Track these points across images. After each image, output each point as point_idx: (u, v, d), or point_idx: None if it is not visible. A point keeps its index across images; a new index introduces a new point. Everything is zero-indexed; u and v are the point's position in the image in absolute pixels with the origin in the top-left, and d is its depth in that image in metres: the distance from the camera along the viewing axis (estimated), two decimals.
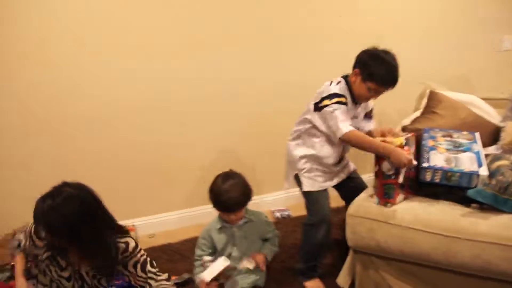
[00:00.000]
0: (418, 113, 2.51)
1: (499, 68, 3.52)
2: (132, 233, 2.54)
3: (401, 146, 1.81)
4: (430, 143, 2.03)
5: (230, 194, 1.88)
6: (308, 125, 2.03)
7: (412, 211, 1.76)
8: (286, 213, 2.94)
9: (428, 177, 1.86)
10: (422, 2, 3.20)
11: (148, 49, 2.56)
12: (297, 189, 3.16)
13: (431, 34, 3.23)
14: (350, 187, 2.16)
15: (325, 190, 2.06)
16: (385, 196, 1.85)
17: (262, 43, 2.81)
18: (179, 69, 2.67)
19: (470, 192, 1.71)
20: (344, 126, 1.85)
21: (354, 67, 1.93)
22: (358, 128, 2.02)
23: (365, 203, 1.88)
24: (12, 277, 2.20)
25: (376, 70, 1.83)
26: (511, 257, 1.56)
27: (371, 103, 2.12)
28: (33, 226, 1.62)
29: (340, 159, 2.10)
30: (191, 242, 2.60)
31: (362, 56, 1.91)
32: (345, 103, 1.89)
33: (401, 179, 1.81)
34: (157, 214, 2.86)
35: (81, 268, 1.64)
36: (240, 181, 1.94)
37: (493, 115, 2.45)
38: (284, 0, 2.82)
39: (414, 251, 1.72)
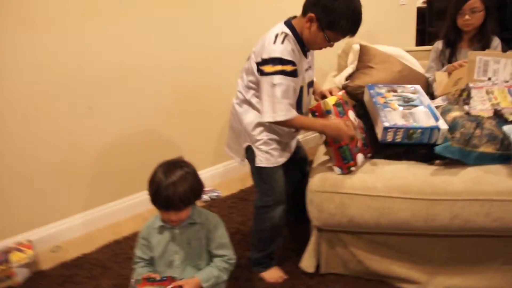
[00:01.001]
0: (350, 70, 2.37)
1: (398, 22, 3.61)
2: (28, 252, 2.00)
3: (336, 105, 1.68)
4: (380, 100, 1.88)
5: (175, 188, 1.39)
6: (254, 90, 1.67)
7: (383, 179, 1.60)
8: (215, 193, 2.60)
9: (389, 137, 1.71)
10: None
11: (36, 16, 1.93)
12: (222, 164, 2.94)
13: None
14: (294, 159, 1.91)
15: (280, 166, 1.76)
16: (344, 161, 1.65)
17: (187, 2, 2.37)
18: (83, 41, 2.09)
19: (438, 149, 1.60)
20: (282, 111, 1.54)
21: (307, 9, 1.53)
22: (312, 81, 1.76)
23: (329, 175, 1.65)
24: None
25: (340, 18, 1.48)
26: (488, 211, 1.50)
27: None
28: None
29: None
30: (110, 249, 2.15)
31: None
32: (290, 73, 1.53)
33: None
34: (58, 221, 2.28)
35: None
36: (190, 172, 1.46)
37: (418, 67, 2.43)
38: None
39: (392, 221, 1.57)
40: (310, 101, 1.81)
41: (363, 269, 1.74)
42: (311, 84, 1.77)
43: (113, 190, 2.42)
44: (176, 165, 1.44)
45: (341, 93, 1.80)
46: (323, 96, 1.77)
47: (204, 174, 2.69)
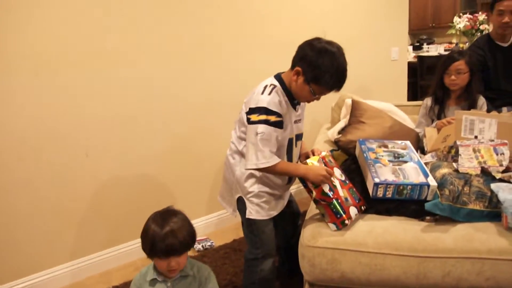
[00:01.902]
0: (342, 123, 2.43)
1: (390, 76, 3.74)
2: None
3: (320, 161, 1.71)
4: (371, 155, 1.93)
5: (174, 234, 1.42)
6: (246, 140, 1.70)
7: (374, 235, 1.60)
8: (209, 243, 2.58)
9: (380, 193, 1.74)
10: (321, 19, 3.18)
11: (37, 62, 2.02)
12: (216, 213, 2.93)
13: None
14: (286, 213, 1.93)
15: (270, 219, 1.78)
16: (337, 216, 1.66)
17: (184, 57, 2.48)
18: (83, 88, 2.18)
19: (428, 206, 1.63)
20: (265, 158, 1.58)
21: (295, 63, 1.61)
22: (301, 134, 1.81)
23: (321, 230, 1.66)
24: None
25: (324, 74, 1.54)
26: (480, 270, 1.50)
27: None
28: None
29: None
30: None
31: (306, 51, 1.58)
32: (275, 123, 1.59)
33: (327, 189, 1.65)
34: (45, 270, 2.24)
35: None
36: (184, 218, 1.51)
37: (409, 122, 2.50)
38: (205, 12, 2.55)
39: (383, 278, 1.55)
40: (298, 152, 1.85)
41: None
42: (300, 136, 1.81)
43: (105, 237, 2.40)
44: (169, 213, 1.49)
45: (324, 153, 1.83)
46: (307, 157, 1.82)
47: (198, 223, 2.69)
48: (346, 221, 1.65)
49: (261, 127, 1.57)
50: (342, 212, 1.65)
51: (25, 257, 2.15)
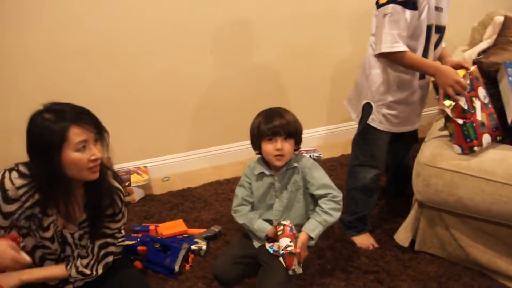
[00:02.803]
0: (485, 44, 2.13)
1: None
2: (145, 176, 2.24)
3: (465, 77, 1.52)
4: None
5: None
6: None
7: (507, 164, 1.44)
8: (317, 154, 2.61)
9: None
10: None
11: None
12: (327, 127, 2.92)
13: None
14: (405, 136, 1.81)
15: (389, 134, 1.70)
16: (467, 140, 1.51)
17: None
18: None
19: None
20: (391, 43, 1.47)
21: None
22: (442, 27, 1.61)
23: (443, 151, 1.55)
24: None
25: None
26: None
27: None
28: (9, 175, 1.20)
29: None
30: (213, 187, 2.32)
31: None
32: (404, 2, 1.44)
33: (463, 104, 1.48)
34: (171, 155, 2.52)
35: (66, 227, 1.30)
36: (290, 112, 1.58)
37: None
38: None
39: (507, 211, 1.43)
40: (435, 50, 1.66)
41: (463, 255, 1.63)
42: (440, 29, 1.61)
43: (220, 135, 2.57)
44: (276, 108, 1.57)
45: (473, 68, 1.63)
46: (453, 68, 1.63)
47: (309, 134, 2.71)
48: (475, 148, 1.51)
49: (389, 8, 1.46)
50: (473, 137, 1.50)
51: (156, 141, 2.43)
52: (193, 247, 1.77)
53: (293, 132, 1.53)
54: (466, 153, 1.51)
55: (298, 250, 1.44)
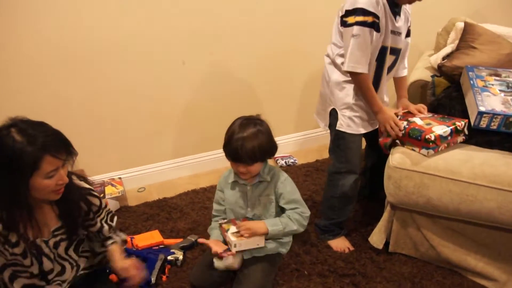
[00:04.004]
0: (449, 49, 2.21)
1: None
2: (119, 187, 2.21)
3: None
4: (479, 83, 1.75)
5: (248, 142, 1.45)
6: (339, 48, 1.66)
7: (471, 165, 1.50)
8: (292, 160, 2.64)
9: (484, 123, 1.60)
10: None
11: None
12: (302, 133, 2.96)
13: None
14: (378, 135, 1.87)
15: (360, 136, 1.75)
16: (418, 138, 1.59)
17: None
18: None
19: None
20: (354, 63, 1.57)
21: None
22: (398, 50, 1.70)
23: (412, 153, 1.60)
24: None
25: None
26: None
27: (410, 15, 1.74)
28: None
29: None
30: (189, 196, 2.31)
31: None
32: (370, 24, 1.52)
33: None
34: (146, 165, 2.50)
35: (39, 236, 1.26)
36: (262, 130, 1.50)
37: None
38: None
39: (474, 209, 1.48)
40: (389, 72, 1.75)
41: (435, 254, 1.68)
42: (395, 51, 1.70)
43: (196, 144, 2.57)
44: (251, 121, 1.50)
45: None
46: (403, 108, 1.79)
47: (283, 140, 2.74)
48: (428, 136, 1.54)
49: (357, 29, 1.52)
50: (421, 132, 1.57)
51: (131, 152, 2.40)
52: (169, 257, 1.75)
53: (254, 158, 1.48)
54: (431, 147, 1.55)
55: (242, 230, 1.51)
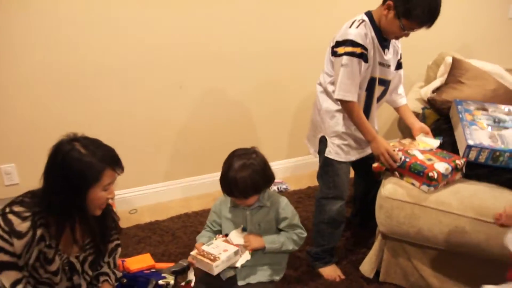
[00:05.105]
0: (438, 82, 2.29)
1: (503, 37, 3.36)
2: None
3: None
4: (467, 117, 1.82)
5: (240, 178, 1.45)
6: (330, 77, 1.73)
7: (460, 197, 1.55)
8: (284, 186, 2.67)
9: (472, 156, 1.66)
10: None
11: None
12: (294, 159, 3.00)
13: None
14: (371, 164, 1.91)
15: (348, 163, 1.79)
16: (420, 174, 1.60)
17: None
18: (178, 25, 2.27)
19: None
20: (344, 92, 1.62)
21: None
22: (387, 81, 1.76)
23: (404, 184, 1.64)
24: None
25: (416, 7, 1.50)
26: None
27: (400, 48, 1.82)
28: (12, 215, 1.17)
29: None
30: (181, 220, 2.31)
31: None
32: (359, 55, 1.59)
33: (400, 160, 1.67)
34: (138, 187, 2.50)
35: (71, 254, 1.31)
36: (257, 164, 1.49)
37: None
38: None
39: (463, 241, 1.52)
40: (379, 102, 1.81)
41: (425, 285, 1.70)
42: (384, 83, 1.76)
43: (189, 167, 2.58)
44: (246, 156, 1.50)
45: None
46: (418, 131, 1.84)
47: (276, 166, 2.75)
48: (431, 173, 1.56)
49: (346, 59, 1.59)
50: (423, 168, 1.59)
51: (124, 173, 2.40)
52: (160, 282, 1.74)
53: (247, 195, 1.49)
54: (432, 184, 1.58)
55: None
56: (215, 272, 1.48)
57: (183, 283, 1.63)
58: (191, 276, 1.67)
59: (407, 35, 1.63)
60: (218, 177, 1.55)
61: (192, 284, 1.63)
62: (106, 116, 2.25)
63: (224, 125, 2.55)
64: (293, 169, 2.87)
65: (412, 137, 1.84)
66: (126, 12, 2.12)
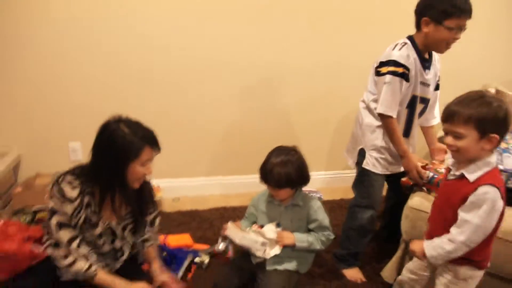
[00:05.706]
0: None
1: None
2: (157, 194, 2.43)
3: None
4: (502, 145, 1.89)
5: (276, 168, 1.63)
6: (373, 95, 1.87)
7: None
8: (318, 195, 2.80)
9: None
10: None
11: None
12: (331, 172, 3.16)
13: (495, 30, 2.97)
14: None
15: (383, 176, 1.92)
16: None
17: (322, 20, 2.64)
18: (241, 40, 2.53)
19: None
20: (385, 107, 1.76)
21: (419, 21, 1.75)
22: (427, 100, 1.88)
23: (430, 197, 1.74)
24: (33, 221, 2.06)
25: (446, 2, 1.64)
26: None
27: (439, 71, 1.94)
28: (63, 182, 1.39)
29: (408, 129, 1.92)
30: (219, 212, 2.49)
31: (423, 1, 1.73)
32: (401, 74, 1.73)
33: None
34: (183, 178, 2.73)
35: (112, 221, 1.50)
36: (294, 160, 1.67)
37: None
38: None
39: None
40: (423, 119, 1.95)
41: None
42: (424, 101, 1.89)
43: (232, 166, 2.80)
44: (286, 151, 1.69)
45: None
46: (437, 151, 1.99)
47: (313, 176, 2.84)
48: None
49: (388, 77, 1.74)
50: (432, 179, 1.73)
51: (172, 163, 2.63)
52: (196, 259, 1.92)
53: (280, 185, 1.65)
54: None
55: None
56: (240, 241, 1.68)
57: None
58: (222, 246, 1.91)
59: (457, 35, 1.69)
60: (257, 179, 1.73)
61: (230, 253, 1.87)
62: (168, 110, 2.54)
63: (270, 132, 2.73)
64: (329, 181, 3.00)
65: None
66: (192, 26, 2.40)
